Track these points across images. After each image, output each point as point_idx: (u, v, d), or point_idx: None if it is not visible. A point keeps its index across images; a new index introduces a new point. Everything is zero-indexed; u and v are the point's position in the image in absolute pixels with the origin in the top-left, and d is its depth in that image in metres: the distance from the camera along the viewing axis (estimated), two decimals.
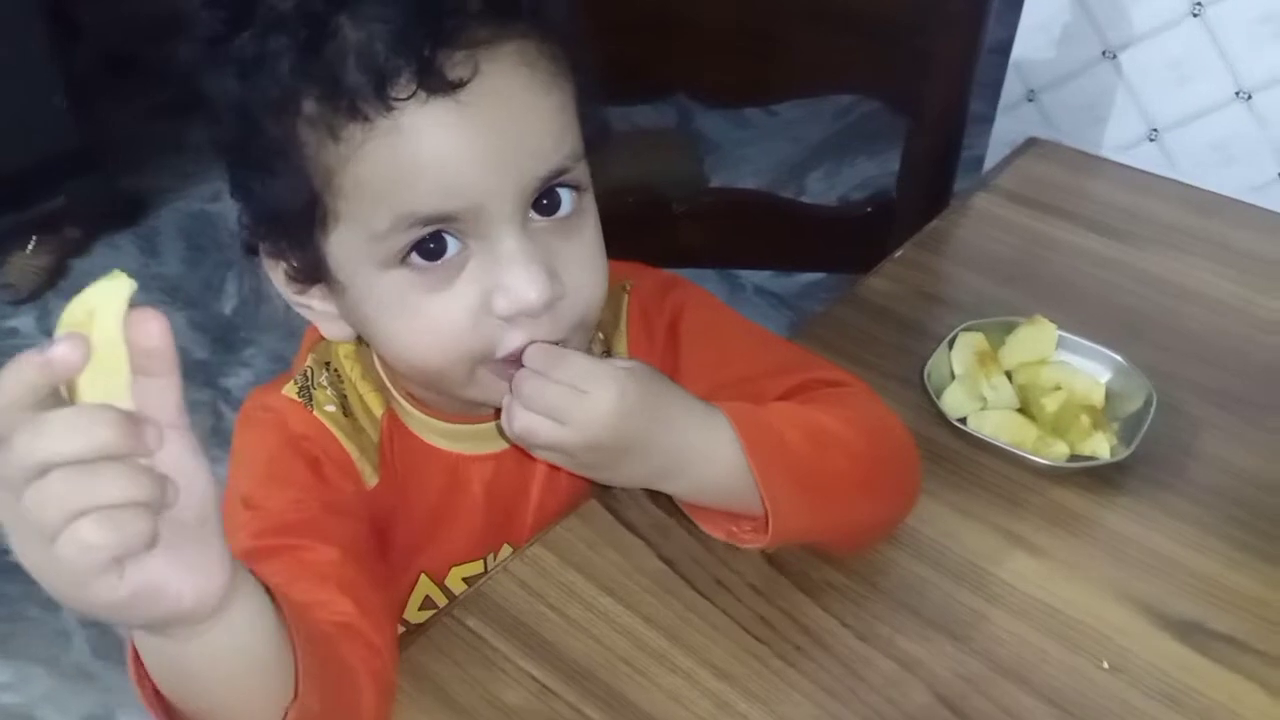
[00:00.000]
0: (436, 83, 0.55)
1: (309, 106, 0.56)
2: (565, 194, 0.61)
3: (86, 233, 2.36)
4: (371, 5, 0.55)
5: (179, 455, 0.43)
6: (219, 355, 2.09)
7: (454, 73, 0.55)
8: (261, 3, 0.55)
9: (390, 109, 0.55)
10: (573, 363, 0.60)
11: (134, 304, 0.42)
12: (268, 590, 0.51)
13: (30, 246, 2.26)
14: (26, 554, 0.42)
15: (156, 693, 0.52)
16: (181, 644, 0.48)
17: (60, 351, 0.40)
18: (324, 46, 0.55)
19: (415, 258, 0.59)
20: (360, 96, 0.55)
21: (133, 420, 0.40)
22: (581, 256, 0.63)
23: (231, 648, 0.49)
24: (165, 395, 0.43)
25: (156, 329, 0.42)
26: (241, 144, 0.60)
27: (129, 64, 2.36)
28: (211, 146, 0.61)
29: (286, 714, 0.53)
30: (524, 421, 0.60)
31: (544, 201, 0.61)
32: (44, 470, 0.40)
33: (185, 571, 0.44)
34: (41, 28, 2.18)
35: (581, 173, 0.62)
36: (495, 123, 0.57)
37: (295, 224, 0.60)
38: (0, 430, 0.40)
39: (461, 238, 0.59)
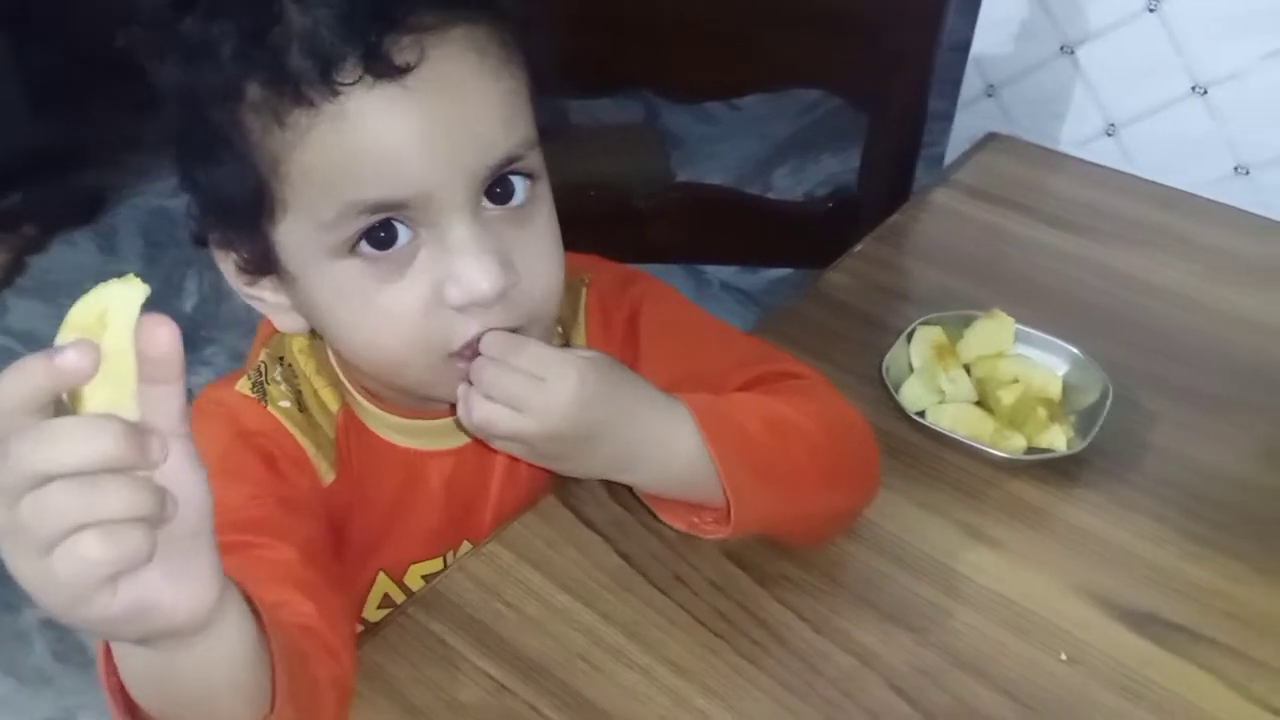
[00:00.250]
0: (383, 68, 0.54)
1: (254, 92, 0.55)
2: (518, 182, 0.61)
3: (44, 230, 2.32)
4: None
5: (178, 465, 0.42)
6: None
7: (400, 58, 0.54)
8: None
9: (336, 94, 0.54)
10: (532, 350, 0.59)
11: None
12: (247, 598, 0.49)
13: None
14: (17, 564, 0.40)
15: (127, 699, 0.51)
16: (167, 655, 0.46)
17: (70, 358, 0.38)
18: (269, 31, 0.54)
19: (365, 247, 0.58)
20: (305, 81, 0.54)
21: (138, 432, 0.39)
22: (536, 245, 0.62)
23: (217, 659, 0.48)
24: (169, 402, 0.42)
25: (167, 336, 0.41)
26: (188, 132, 0.59)
27: (87, 61, 2.32)
28: (161, 137, 0.60)
29: None
30: (483, 411, 0.59)
31: (497, 190, 0.60)
32: (44, 480, 0.38)
33: (179, 586, 0.43)
34: None
35: (535, 160, 0.62)
36: (442, 109, 0.56)
37: (243, 213, 0.60)
38: None
39: (412, 226, 0.58)
